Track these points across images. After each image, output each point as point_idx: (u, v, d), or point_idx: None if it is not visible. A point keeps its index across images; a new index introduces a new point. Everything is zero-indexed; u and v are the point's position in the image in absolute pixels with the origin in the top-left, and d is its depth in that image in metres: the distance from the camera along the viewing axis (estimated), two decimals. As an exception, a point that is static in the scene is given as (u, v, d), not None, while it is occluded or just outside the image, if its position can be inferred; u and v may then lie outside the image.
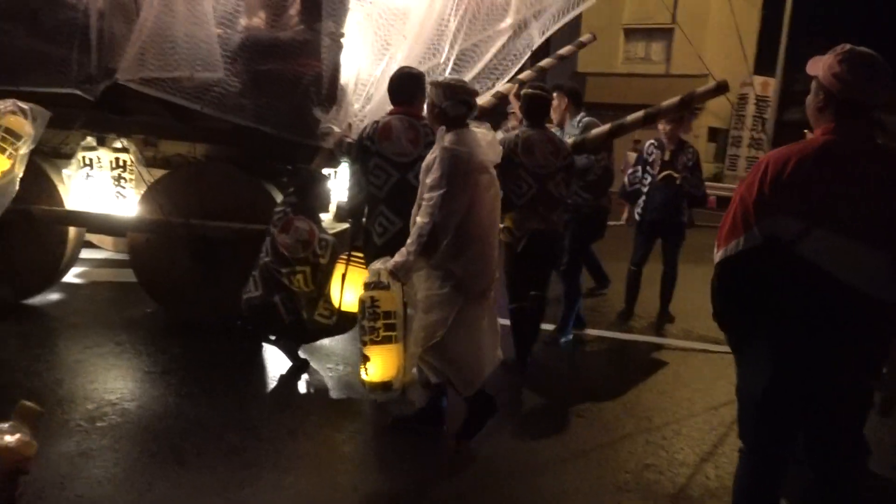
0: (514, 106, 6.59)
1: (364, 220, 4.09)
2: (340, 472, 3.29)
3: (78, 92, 4.41)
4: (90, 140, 5.03)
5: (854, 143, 2.25)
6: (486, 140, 3.46)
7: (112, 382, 4.00)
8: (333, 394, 4.18)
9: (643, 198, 6.17)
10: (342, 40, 4.80)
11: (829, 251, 2.20)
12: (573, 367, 5.20)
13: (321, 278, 4.28)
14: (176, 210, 4.75)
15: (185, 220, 4.69)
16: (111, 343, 4.58)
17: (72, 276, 5.90)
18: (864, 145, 2.27)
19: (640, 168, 6.29)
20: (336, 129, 4.77)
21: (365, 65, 5.08)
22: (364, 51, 5.07)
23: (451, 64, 5.22)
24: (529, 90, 4.73)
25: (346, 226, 4.64)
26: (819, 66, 2.33)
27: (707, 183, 7.35)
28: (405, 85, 4.07)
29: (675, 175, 5.93)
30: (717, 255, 2.38)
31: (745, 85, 19.33)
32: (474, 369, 3.43)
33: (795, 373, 2.31)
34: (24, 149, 4.00)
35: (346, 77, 4.98)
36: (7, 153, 3.95)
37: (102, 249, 6.52)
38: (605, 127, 5.19)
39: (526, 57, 5.36)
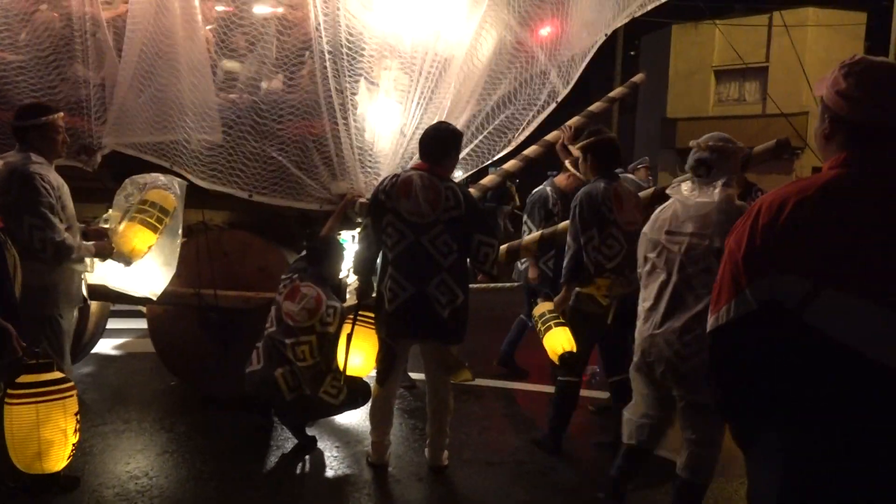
0: (563, 156, 6.17)
1: (374, 279, 3.83)
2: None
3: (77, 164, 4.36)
4: (111, 212, 5.00)
5: (872, 177, 1.72)
6: None
7: (102, 465, 3.79)
8: (331, 477, 3.79)
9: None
10: (356, 98, 4.58)
11: (846, 318, 1.66)
12: None
13: (328, 350, 3.98)
14: (192, 280, 4.60)
15: (195, 290, 4.52)
16: (119, 421, 4.41)
17: (109, 348, 5.89)
18: (885, 180, 1.73)
19: (704, 216, 5.72)
20: (351, 191, 4.55)
21: (393, 122, 4.84)
22: (392, 107, 4.84)
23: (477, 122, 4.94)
24: (600, 136, 4.15)
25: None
26: (823, 85, 1.83)
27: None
28: (435, 140, 3.78)
29: None
30: (709, 324, 1.88)
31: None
32: None
33: (817, 480, 1.74)
34: (169, 222, 3.98)
35: (370, 135, 4.75)
36: (155, 228, 3.91)
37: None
38: (650, 191, 4.74)
39: (551, 108, 4.96)
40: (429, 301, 3.59)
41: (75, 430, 3.02)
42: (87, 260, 3.72)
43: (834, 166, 1.77)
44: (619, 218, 3.94)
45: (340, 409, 4.08)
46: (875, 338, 1.64)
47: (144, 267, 4.01)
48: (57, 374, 3.03)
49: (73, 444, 3.04)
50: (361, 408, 4.52)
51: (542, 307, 4.18)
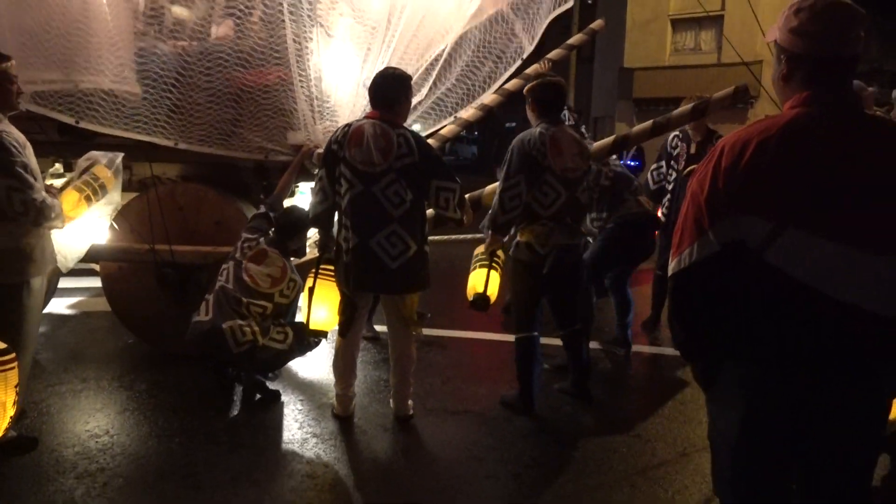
0: None
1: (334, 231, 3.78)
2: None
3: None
4: (58, 167, 4.82)
5: (834, 114, 1.73)
6: None
7: (60, 425, 3.72)
8: (297, 431, 3.78)
9: (668, 196, 5.65)
10: (311, 45, 4.44)
11: (806, 257, 1.68)
12: (612, 385, 4.72)
13: (277, 314, 3.98)
14: (146, 235, 4.47)
15: (149, 246, 4.40)
16: (76, 380, 4.32)
17: (63, 308, 5.74)
18: (847, 116, 1.74)
19: (663, 163, 5.78)
20: (307, 141, 4.45)
21: (351, 73, 4.71)
22: (351, 59, 4.71)
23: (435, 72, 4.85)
24: (542, 79, 4.07)
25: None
26: (775, 29, 1.82)
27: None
28: (385, 87, 3.67)
29: None
30: (671, 267, 1.88)
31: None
32: None
33: (776, 414, 1.79)
34: (101, 200, 3.90)
35: (326, 85, 4.62)
36: (89, 201, 3.79)
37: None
38: (609, 139, 4.72)
39: (517, 64, 4.89)
40: (374, 252, 3.53)
41: (14, 403, 2.91)
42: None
43: (795, 105, 1.77)
44: (554, 164, 3.82)
45: (292, 355, 4.00)
46: (832, 276, 1.67)
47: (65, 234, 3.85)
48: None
49: (11, 417, 2.92)
50: (325, 360, 4.54)
51: (478, 248, 4.10)
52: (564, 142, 3.88)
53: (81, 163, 3.95)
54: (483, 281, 3.95)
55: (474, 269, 4.03)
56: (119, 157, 4.07)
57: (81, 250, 4.03)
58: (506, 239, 4.03)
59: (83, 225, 3.91)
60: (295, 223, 4.15)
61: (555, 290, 4.06)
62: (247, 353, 3.77)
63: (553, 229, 3.87)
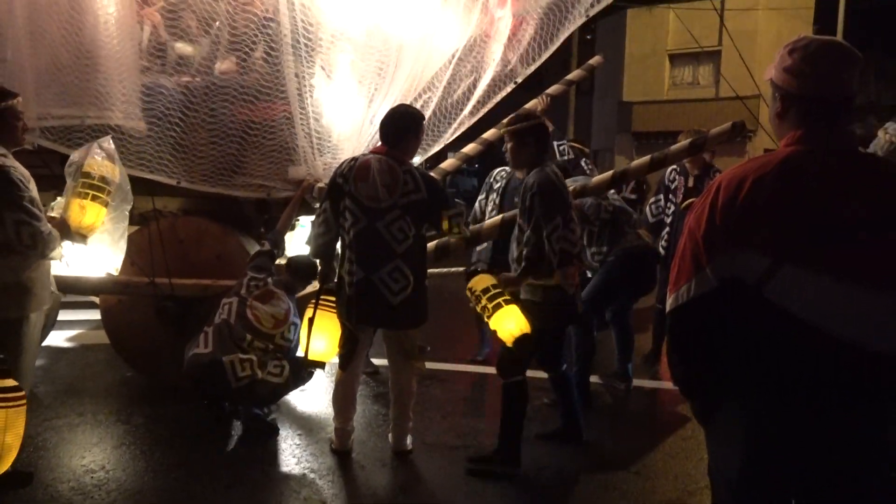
0: None
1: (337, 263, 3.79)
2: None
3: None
4: (60, 200, 4.83)
5: (827, 152, 1.75)
6: None
7: (56, 459, 3.69)
8: (294, 465, 3.74)
9: (666, 229, 5.69)
10: (313, 81, 4.50)
11: (804, 293, 1.68)
12: (612, 420, 4.70)
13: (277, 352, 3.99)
14: (146, 268, 4.48)
15: (149, 279, 4.40)
16: (73, 414, 4.29)
17: (62, 340, 5.72)
18: (842, 154, 1.76)
19: (661, 197, 5.82)
20: (309, 176, 4.48)
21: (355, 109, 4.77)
22: (353, 95, 4.77)
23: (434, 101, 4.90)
24: (530, 121, 3.80)
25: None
26: (771, 68, 1.85)
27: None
28: (394, 123, 3.72)
29: None
30: (668, 303, 1.89)
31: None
32: None
33: (775, 451, 1.77)
34: (114, 191, 3.70)
35: (327, 121, 4.67)
36: (102, 200, 3.63)
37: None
38: (608, 174, 4.74)
39: (508, 89, 4.95)
40: (377, 287, 3.55)
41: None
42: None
43: (790, 143, 1.79)
44: (571, 201, 3.78)
45: (288, 388, 4.00)
46: (831, 312, 1.67)
47: (97, 245, 3.78)
48: (12, 382, 2.94)
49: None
50: (324, 394, 4.52)
51: (485, 280, 3.64)
52: (563, 177, 3.86)
53: (67, 170, 3.72)
54: (521, 318, 3.55)
55: (497, 304, 3.56)
56: (106, 139, 3.79)
57: (119, 252, 3.88)
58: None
59: (106, 230, 3.74)
60: (310, 267, 4.18)
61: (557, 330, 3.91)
62: (245, 388, 3.76)
63: (578, 268, 3.70)
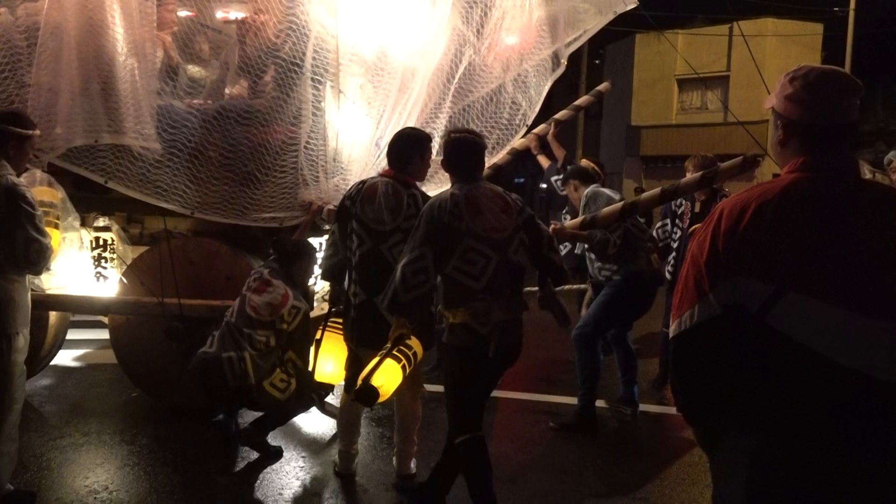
0: (554, 148, 6.35)
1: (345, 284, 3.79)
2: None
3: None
4: (71, 220, 4.89)
5: (829, 179, 1.75)
6: None
7: (60, 479, 3.68)
8: (298, 488, 3.73)
9: (673, 254, 5.68)
10: (322, 105, 4.55)
11: (807, 321, 1.68)
12: (618, 445, 4.67)
13: (283, 344, 3.99)
14: (156, 288, 4.51)
15: (158, 299, 4.43)
16: (78, 434, 4.30)
17: (69, 360, 5.74)
18: (843, 182, 1.76)
19: (668, 221, 5.82)
20: (319, 198, 4.52)
21: (364, 132, 4.82)
22: (362, 118, 4.83)
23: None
24: (449, 136, 3.43)
25: None
26: (773, 97, 1.87)
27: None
28: (400, 146, 3.72)
29: None
30: (671, 329, 1.89)
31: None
32: None
33: (779, 481, 1.75)
34: (60, 214, 3.96)
35: (337, 143, 4.71)
36: (54, 224, 3.88)
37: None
38: (617, 206, 4.73)
39: (522, 132, 5.03)
40: (378, 310, 3.51)
41: None
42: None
43: (792, 170, 1.80)
44: (474, 227, 3.12)
45: (288, 407, 4.00)
46: (835, 340, 1.66)
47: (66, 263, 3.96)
48: None
49: None
50: (326, 418, 4.51)
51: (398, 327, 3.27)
52: (483, 200, 3.20)
53: None
54: (373, 368, 3.07)
55: (383, 354, 3.16)
56: (36, 171, 3.96)
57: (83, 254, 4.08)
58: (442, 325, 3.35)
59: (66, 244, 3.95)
60: (293, 250, 4.20)
61: (492, 378, 3.31)
62: (243, 390, 3.79)
63: (493, 304, 3.12)
